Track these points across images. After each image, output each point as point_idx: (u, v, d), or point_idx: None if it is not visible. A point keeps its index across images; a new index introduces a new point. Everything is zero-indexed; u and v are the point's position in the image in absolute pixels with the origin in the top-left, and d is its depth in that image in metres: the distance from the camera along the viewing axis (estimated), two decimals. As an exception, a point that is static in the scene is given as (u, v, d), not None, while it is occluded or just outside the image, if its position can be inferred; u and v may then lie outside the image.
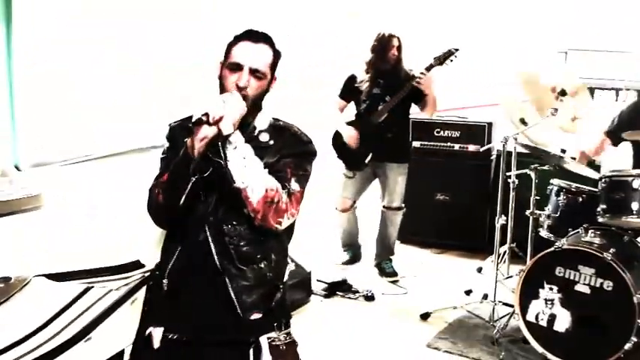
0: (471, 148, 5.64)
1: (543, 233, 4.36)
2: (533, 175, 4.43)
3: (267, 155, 2.31)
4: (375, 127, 4.87)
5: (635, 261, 3.88)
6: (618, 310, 3.61)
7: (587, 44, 9.92)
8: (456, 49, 4.75)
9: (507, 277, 4.70)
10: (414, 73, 4.79)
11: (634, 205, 3.80)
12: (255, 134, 2.34)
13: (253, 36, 2.30)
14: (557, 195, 4.31)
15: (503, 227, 4.55)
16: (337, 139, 5.03)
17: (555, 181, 4.39)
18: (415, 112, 5.23)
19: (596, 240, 3.87)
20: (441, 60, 4.75)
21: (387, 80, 4.90)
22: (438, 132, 5.72)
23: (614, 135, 4.39)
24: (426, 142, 5.76)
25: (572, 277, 3.75)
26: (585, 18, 10.13)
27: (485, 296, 4.70)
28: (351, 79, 5.02)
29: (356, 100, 5.03)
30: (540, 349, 3.83)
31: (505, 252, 4.85)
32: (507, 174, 4.44)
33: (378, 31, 4.89)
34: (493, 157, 5.67)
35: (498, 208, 4.51)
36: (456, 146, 5.69)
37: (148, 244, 3.97)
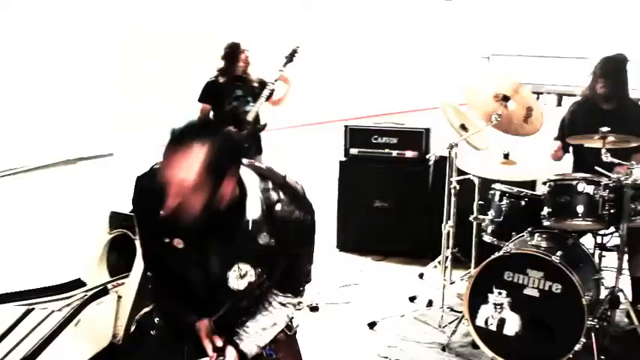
0: (409, 154, 5.65)
1: (487, 238, 4.39)
2: (476, 180, 4.47)
3: (271, 261, 2.21)
4: (251, 122, 5.36)
5: (581, 262, 3.95)
6: (567, 312, 3.66)
7: (509, 49, 10.22)
8: (298, 47, 5.40)
9: (451, 283, 4.71)
10: (264, 79, 5.43)
11: (579, 208, 3.86)
12: (250, 231, 2.11)
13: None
14: (500, 199, 4.35)
15: (448, 233, 4.56)
16: None
17: (497, 186, 4.43)
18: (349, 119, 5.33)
19: (543, 243, 3.92)
20: (290, 58, 5.39)
21: (244, 83, 5.45)
22: (375, 139, 5.70)
23: (563, 141, 4.54)
24: (363, 149, 5.73)
25: (520, 281, 3.78)
26: (507, 24, 10.40)
27: (430, 302, 4.71)
28: (212, 84, 5.47)
29: (217, 103, 5.43)
30: (490, 354, 3.84)
31: (447, 257, 4.87)
32: (451, 179, 4.45)
33: (228, 42, 5.47)
34: (431, 162, 5.68)
35: (445, 214, 4.51)
36: (394, 153, 5.68)
37: (88, 261, 3.80)
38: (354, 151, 5.76)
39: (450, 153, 4.35)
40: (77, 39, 5.88)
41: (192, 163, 1.90)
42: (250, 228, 2.09)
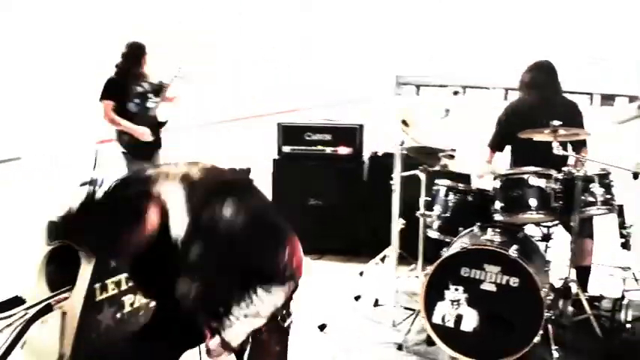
0: (343, 150, 5.56)
1: (433, 234, 4.37)
2: (423, 176, 4.43)
3: (220, 270, 2.13)
4: (154, 118, 5.54)
5: (533, 255, 3.99)
6: (525, 305, 3.67)
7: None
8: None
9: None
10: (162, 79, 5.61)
11: (532, 202, 3.90)
12: (181, 249, 2.04)
13: None
14: (446, 195, 4.33)
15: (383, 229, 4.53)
16: (127, 141, 5.46)
17: (442, 182, 4.41)
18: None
19: (496, 238, 3.90)
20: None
21: (144, 82, 5.54)
22: (308, 136, 5.59)
23: (499, 144, 4.58)
24: (296, 147, 5.60)
25: (477, 277, 3.76)
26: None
27: (377, 301, 4.65)
28: (113, 81, 5.50)
29: (120, 99, 5.46)
30: (449, 351, 3.81)
31: (385, 255, 4.84)
32: (403, 174, 4.40)
33: (129, 40, 5.59)
34: (365, 159, 5.64)
35: (394, 211, 4.46)
36: (328, 150, 5.59)
37: (25, 275, 3.49)
38: (287, 148, 5.62)
39: (400, 149, 4.29)
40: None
41: None
42: (180, 246, 2.01)
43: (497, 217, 4.01)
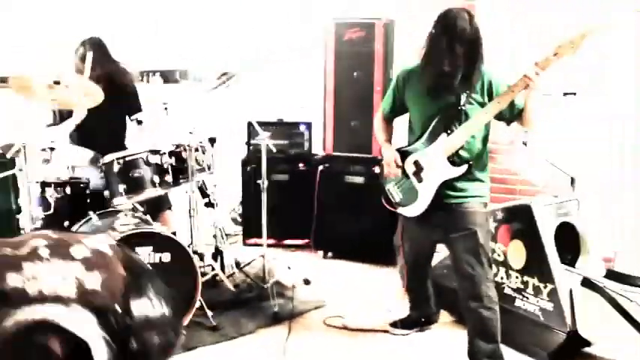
0: None
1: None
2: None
3: None
4: None
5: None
6: (182, 275, 3.82)
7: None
8: None
9: None
10: None
11: (155, 178, 3.99)
12: None
13: None
14: (43, 191, 4.03)
15: None
16: None
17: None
18: None
19: (132, 220, 3.90)
20: None
21: None
22: None
23: None
24: None
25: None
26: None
27: None
28: None
29: None
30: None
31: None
32: None
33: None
34: None
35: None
36: None
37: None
38: None
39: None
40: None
41: None
42: None
43: (118, 200, 3.96)
